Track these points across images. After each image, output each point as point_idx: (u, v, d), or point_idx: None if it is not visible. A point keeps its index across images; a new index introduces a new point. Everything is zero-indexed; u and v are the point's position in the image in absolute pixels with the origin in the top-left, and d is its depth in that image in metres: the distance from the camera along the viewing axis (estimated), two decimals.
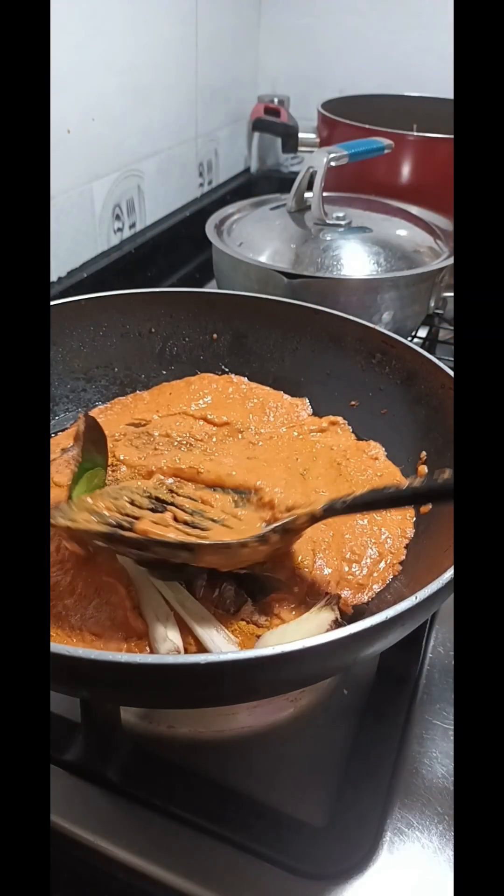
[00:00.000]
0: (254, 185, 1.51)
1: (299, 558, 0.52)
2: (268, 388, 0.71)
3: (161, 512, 0.48)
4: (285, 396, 0.70)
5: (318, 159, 0.85)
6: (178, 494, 0.52)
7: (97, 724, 0.48)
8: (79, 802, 0.45)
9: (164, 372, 0.74)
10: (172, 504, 0.50)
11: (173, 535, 0.46)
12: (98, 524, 0.46)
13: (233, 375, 0.73)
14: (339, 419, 0.67)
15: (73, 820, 0.45)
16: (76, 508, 0.47)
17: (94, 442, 0.55)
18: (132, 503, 0.49)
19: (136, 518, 0.47)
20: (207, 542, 0.45)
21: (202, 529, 0.47)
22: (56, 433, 0.66)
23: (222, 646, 0.45)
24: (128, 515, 0.47)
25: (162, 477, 0.57)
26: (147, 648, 0.45)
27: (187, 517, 0.48)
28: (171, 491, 0.52)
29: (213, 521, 0.49)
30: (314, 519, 0.46)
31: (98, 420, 0.57)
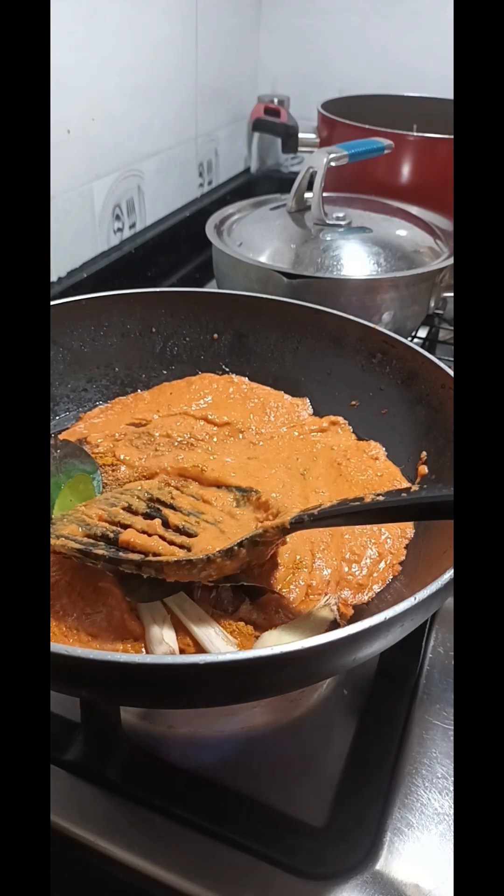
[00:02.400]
0: (254, 185, 1.51)
1: (297, 558, 0.52)
2: (268, 388, 0.71)
3: (155, 517, 0.48)
4: (286, 396, 0.70)
5: (318, 159, 0.85)
6: (183, 492, 0.52)
7: (97, 724, 0.48)
8: (78, 802, 0.45)
9: (165, 372, 0.74)
10: (171, 506, 0.50)
11: (155, 543, 0.46)
12: (73, 541, 0.46)
13: (233, 375, 0.73)
14: (340, 419, 0.67)
15: (72, 820, 0.45)
16: (66, 521, 0.48)
17: (70, 455, 0.56)
18: (129, 508, 0.49)
19: (126, 526, 0.47)
20: (172, 560, 0.45)
21: (190, 536, 0.47)
22: (57, 433, 0.66)
23: (221, 646, 0.45)
24: (118, 523, 0.48)
25: (166, 477, 0.57)
26: (143, 650, 0.45)
27: (181, 521, 0.48)
28: (176, 488, 0.52)
29: (209, 523, 0.49)
30: (284, 531, 0.45)
31: (98, 420, 0.57)
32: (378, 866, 0.43)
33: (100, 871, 0.44)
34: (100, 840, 0.44)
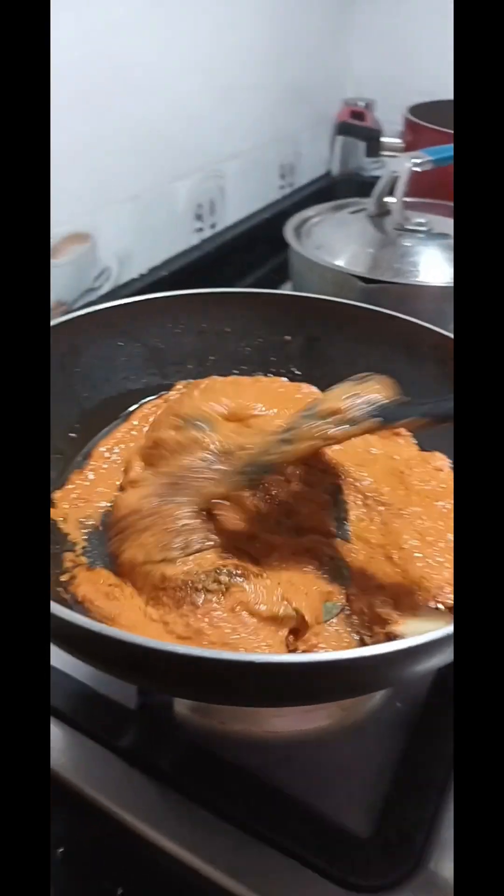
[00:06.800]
0: (334, 188, 1.50)
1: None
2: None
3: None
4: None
5: (402, 164, 0.84)
6: None
7: (152, 714, 0.49)
8: (129, 789, 0.46)
9: (236, 371, 0.74)
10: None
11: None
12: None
13: (302, 384, 0.73)
14: (402, 431, 0.66)
15: (122, 804, 0.46)
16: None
17: None
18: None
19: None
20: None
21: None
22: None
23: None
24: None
25: None
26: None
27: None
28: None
29: None
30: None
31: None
32: (421, 882, 0.42)
33: (144, 857, 0.45)
34: (146, 827, 0.45)
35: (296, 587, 0.48)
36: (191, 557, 0.49)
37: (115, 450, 0.64)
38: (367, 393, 0.47)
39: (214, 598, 0.46)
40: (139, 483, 0.55)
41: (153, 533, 0.50)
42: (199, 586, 0.46)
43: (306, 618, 0.46)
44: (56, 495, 0.58)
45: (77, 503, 0.57)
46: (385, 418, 0.46)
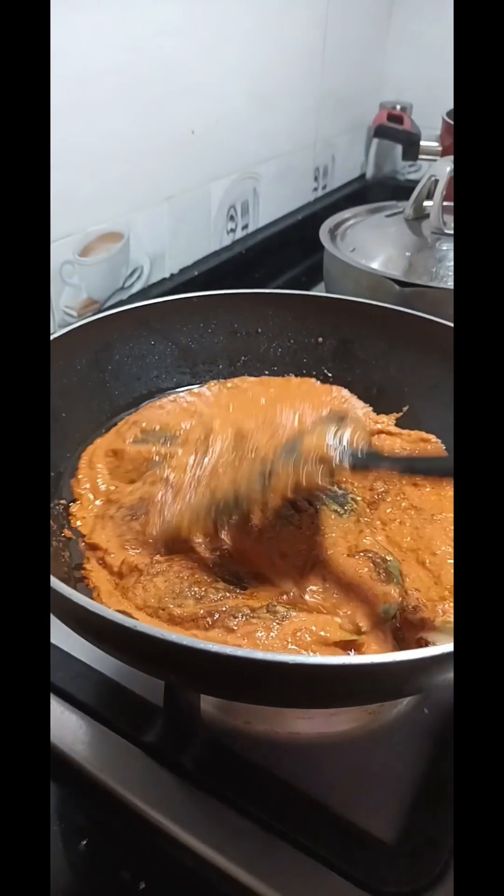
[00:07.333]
0: (368, 192, 1.50)
1: None
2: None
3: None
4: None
5: (442, 168, 0.83)
6: None
7: (178, 711, 0.50)
8: (153, 784, 0.47)
9: (267, 372, 0.74)
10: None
11: None
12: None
13: (334, 387, 0.72)
14: (431, 437, 0.66)
15: (145, 800, 0.46)
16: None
17: None
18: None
19: None
20: None
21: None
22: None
23: None
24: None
25: None
26: None
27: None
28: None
29: None
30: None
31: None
32: (445, 891, 0.41)
33: (167, 852, 0.45)
34: (169, 823, 0.45)
35: (352, 597, 0.48)
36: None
37: None
38: (347, 435, 0.46)
39: (262, 625, 0.45)
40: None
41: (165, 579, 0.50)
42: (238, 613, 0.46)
43: (365, 628, 0.46)
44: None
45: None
46: (356, 465, 0.45)
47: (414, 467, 0.49)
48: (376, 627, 0.46)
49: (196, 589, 0.48)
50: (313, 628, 0.44)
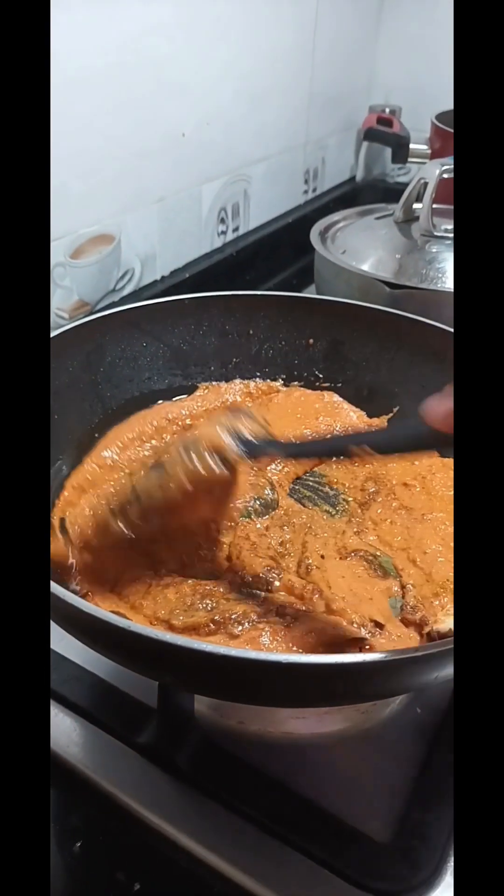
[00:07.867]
0: (358, 194, 1.51)
1: None
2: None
3: None
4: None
5: (431, 171, 0.84)
6: None
7: (172, 712, 0.50)
8: (147, 785, 0.47)
9: (259, 374, 0.75)
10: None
11: None
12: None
13: (325, 393, 0.73)
14: None
15: (140, 800, 0.46)
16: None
17: None
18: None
19: None
20: None
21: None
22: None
23: None
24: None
25: None
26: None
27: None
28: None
29: None
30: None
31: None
32: (440, 890, 0.42)
33: (161, 853, 0.45)
34: (164, 823, 0.45)
35: (360, 595, 0.48)
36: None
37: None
38: (240, 424, 0.49)
39: (269, 628, 0.46)
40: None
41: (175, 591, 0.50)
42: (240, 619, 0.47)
43: (381, 621, 0.47)
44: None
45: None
46: (250, 452, 0.48)
47: (302, 451, 0.51)
48: (389, 622, 0.47)
49: (208, 601, 0.49)
50: (322, 630, 0.45)
